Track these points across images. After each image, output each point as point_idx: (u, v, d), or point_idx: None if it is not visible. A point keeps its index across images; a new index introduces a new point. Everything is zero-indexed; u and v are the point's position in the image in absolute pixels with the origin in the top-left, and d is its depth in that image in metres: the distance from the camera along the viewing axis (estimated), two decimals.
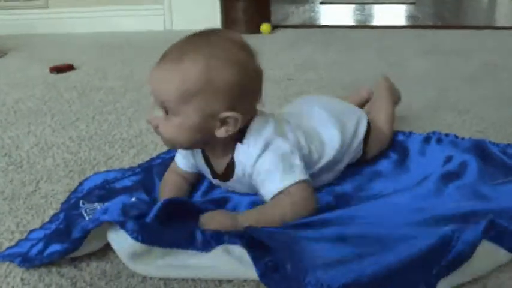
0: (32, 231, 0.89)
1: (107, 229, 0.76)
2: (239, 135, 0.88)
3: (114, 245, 0.76)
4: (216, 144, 0.89)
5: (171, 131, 0.85)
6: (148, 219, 0.78)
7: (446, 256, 0.71)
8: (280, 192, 0.85)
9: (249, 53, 0.86)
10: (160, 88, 0.83)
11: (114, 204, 0.80)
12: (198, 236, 0.75)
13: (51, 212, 0.96)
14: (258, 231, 0.76)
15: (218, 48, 0.83)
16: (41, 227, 0.90)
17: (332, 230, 0.81)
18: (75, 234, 0.78)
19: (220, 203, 0.93)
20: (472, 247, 0.72)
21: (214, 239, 0.75)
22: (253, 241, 0.74)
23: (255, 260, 0.71)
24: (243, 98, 0.85)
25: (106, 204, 0.84)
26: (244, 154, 0.88)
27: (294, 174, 0.86)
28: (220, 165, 0.92)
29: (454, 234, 0.73)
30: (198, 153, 0.95)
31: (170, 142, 0.88)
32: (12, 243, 0.87)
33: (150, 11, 3.43)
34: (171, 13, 3.40)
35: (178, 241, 0.74)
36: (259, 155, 0.87)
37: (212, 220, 0.81)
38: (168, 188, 0.96)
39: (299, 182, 0.86)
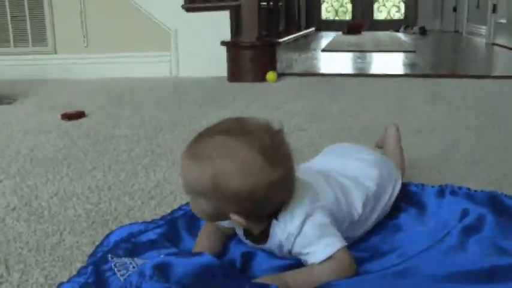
0: (60, 284, 0.90)
1: None
2: (275, 210, 0.89)
3: None
4: None
5: (192, 207, 0.90)
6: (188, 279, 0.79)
7: None
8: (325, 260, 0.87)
9: (271, 159, 0.82)
10: (182, 174, 0.87)
11: (148, 268, 0.80)
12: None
13: (78, 265, 0.97)
14: None
15: (234, 156, 0.81)
16: (69, 281, 0.91)
17: None
18: None
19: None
20: None
21: None
22: None
23: None
24: (256, 204, 0.84)
25: (139, 265, 0.84)
26: (281, 230, 0.89)
27: (335, 241, 0.88)
28: (255, 230, 0.92)
29: None
30: None
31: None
32: None
33: (157, 57, 3.50)
34: (178, 60, 3.46)
35: None
36: (298, 234, 0.87)
37: None
38: (205, 237, 0.98)
39: (341, 248, 0.87)
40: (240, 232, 0.96)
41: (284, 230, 0.88)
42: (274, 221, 0.89)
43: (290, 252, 0.90)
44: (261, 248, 0.96)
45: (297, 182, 0.89)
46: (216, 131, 0.84)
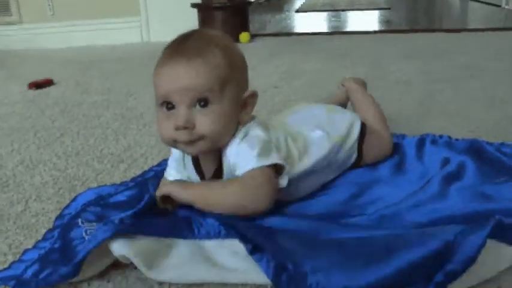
0: (25, 251, 0.85)
1: (107, 248, 0.74)
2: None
3: (120, 254, 0.74)
4: None
5: (212, 121, 0.82)
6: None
7: (449, 262, 0.69)
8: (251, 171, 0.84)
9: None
10: (199, 80, 0.81)
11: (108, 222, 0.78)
12: (196, 225, 0.80)
13: (44, 232, 0.92)
14: (252, 230, 0.78)
15: (216, 38, 0.87)
16: (35, 246, 0.86)
17: (336, 233, 0.81)
18: (76, 259, 0.74)
19: None
20: (477, 250, 0.69)
21: (212, 229, 0.79)
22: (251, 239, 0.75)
23: (261, 262, 0.71)
24: (247, 76, 0.90)
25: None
26: (231, 146, 0.87)
27: (270, 157, 0.86)
28: (211, 169, 0.91)
29: (456, 239, 0.72)
30: (189, 161, 0.93)
31: (211, 135, 0.83)
32: (5, 265, 0.82)
33: (127, 23, 3.40)
34: (148, 25, 3.37)
35: (178, 231, 0.79)
36: (239, 142, 0.87)
37: (163, 186, 0.90)
38: None
39: (271, 165, 0.85)
40: (196, 178, 0.94)
41: (233, 143, 0.87)
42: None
43: None
44: None
45: None
46: (182, 36, 0.87)
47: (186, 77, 0.82)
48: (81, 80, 2.29)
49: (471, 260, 0.69)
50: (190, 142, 0.83)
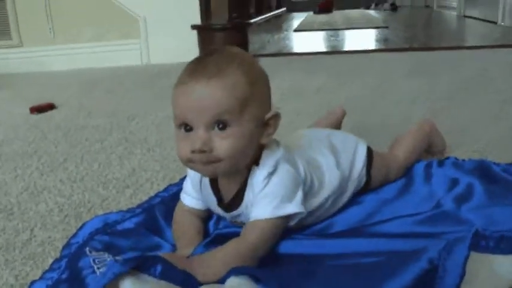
0: (32, 282, 0.84)
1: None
2: (255, 159, 0.86)
3: None
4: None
5: (230, 144, 0.80)
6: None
7: (440, 280, 0.70)
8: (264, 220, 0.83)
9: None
10: (217, 102, 0.78)
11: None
12: None
13: (51, 261, 0.91)
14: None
15: (239, 57, 0.85)
16: (42, 277, 0.85)
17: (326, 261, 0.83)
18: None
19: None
20: (464, 262, 0.72)
21: None
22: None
23: None
24: (269, 96, 0.88)
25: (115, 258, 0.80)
26: (257, 175, 0.85)
27: (292, 202, 0.85)
28: (230, 192, 0.89)
29: (441, 255, 0.74)
30: (206, 183, 0.92)
31: (229, 159, 0.80)
32: None
33: (127, 45, 3.41)
34: (148, 47, 3.38)
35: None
36: (268, 176, 0.84)
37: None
38: (184, 229, 0.93)
39: (283, 217, 0.84)
40: (213, 201, 0.92)
41: (260, 174, 0.85)
42: (254, 167, 0.86)
43: None
44: (234, 217, 0.92)
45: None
46: (204, 55, 0.85)
47: (203, 97, 0.79)
48: (83, 103, 2.29)
49: (462, 273, 0.71)
50: (207, 163, 0.81)
